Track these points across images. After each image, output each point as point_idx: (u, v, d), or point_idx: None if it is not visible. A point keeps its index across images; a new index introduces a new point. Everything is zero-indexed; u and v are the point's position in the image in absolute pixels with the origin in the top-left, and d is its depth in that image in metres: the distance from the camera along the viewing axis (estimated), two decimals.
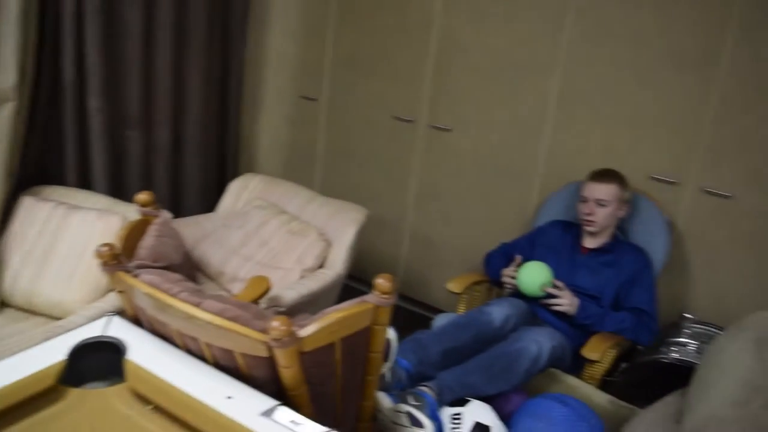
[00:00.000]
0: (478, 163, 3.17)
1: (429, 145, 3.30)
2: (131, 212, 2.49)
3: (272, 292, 2.29)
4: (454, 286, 2.55)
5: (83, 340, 1.51)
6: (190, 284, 1.52)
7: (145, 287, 1.46)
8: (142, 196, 1.72)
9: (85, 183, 2.85)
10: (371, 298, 1.44)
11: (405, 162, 3.41)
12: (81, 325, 1.96)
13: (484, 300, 2.73)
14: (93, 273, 2.31)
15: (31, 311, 2.40)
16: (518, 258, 2.46)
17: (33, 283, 2.36)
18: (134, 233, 1.68)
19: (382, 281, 1.43)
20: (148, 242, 1.66)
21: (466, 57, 3.10)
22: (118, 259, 1.53)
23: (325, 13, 3.51)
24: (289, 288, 2.35)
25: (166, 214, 1.75)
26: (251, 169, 3.86)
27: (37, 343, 1.68)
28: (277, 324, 1.30)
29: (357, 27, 3.42)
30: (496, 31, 2.99)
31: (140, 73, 2.96)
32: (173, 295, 1.43)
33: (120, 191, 2.95)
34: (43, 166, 2.74)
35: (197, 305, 1.41)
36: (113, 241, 1.60)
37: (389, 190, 3.50)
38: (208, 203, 3.34)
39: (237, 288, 2.54)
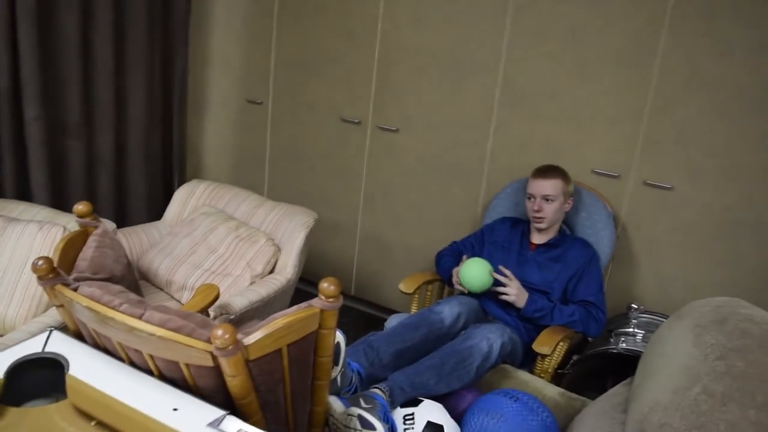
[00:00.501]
0: (425, 163, 3.18)
1: (376, 146, 3.31)
2: (73, 223, 2.42)
3: (222, 300, 2.26)
4: (406, 286, 2.56)
5: (21, 358, 1.46)
6: (132, 296, 1.49)
7: (85, 300, 1.42)
8: (81, 207, 1.68)
9: (24, 194, 2.77)
10: (317, 302, 1.43)
11: (354, 164, 3.40)
12: (21, 341, 1.91)
13: (437, 300, 2.74)
14: (35, 287, 2.24)
15: None
16: (465, 257, 2.48)
17: None
18: (73, 245, 1.63)
19: (326, 285, 1.42)
20: (87, 254, 1.61)
21: (408, 58, 3.11)
22: (56, 272, 1.48)
23: (268, 15, 3.48)
24: (239, 295, 2.32)
25: (106, 225, 1.71)
26: (198, 175, 3.80)
27: None
28: (220, 332, 1.28)
29: (300, 29, 3.40)
30: (437, 32, 3.01)
31: (79, 78, 2.88)
32: (114, 308, 1.39)
33: (62, 202, 2.87)
34: None
35: (139, 317, 1.38)
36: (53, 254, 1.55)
37: (339, 192, 3.49)
38: (155, 211, 3.27)
39: (186, 297, 2.50)
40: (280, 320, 1.38)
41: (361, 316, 3.52)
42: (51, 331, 1.58)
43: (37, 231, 2.35)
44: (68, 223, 2.43)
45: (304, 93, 3.47)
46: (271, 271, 2.57)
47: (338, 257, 3.58)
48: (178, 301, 2.53)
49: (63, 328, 1.65)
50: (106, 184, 3.13)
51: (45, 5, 2.67)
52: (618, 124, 2.68)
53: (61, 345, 1.55)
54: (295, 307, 1.44)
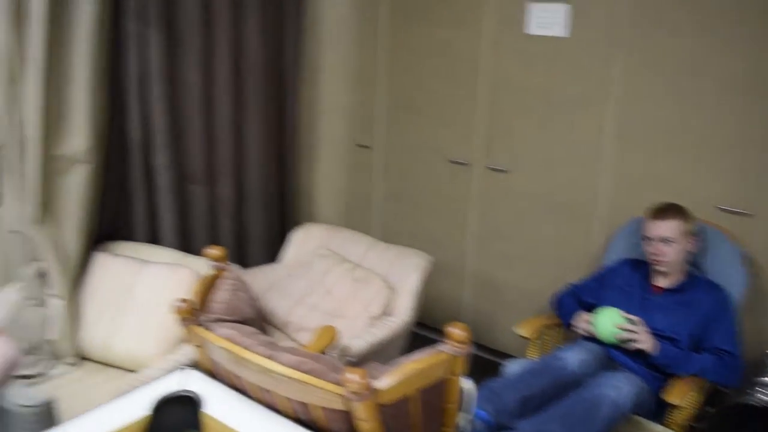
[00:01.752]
0: (538, 202, 3.13)
1: (486, 186, 3.29)
2: (200, 265, 2.55)
3: (340, 342, 2.29)
4: (524, 330, 2.50)
5: (164, 394, 1.53)
6: (264, 337, 1.54)
7: (221, 341, 1.47)
8: (214, 251, 1.76)
9: (153, 238, 2.94)
10: (446, 348, 1.42)
11: (463, 205, 3.39)
12: (158, 378, 2.01)
13: (555, 344, 2.66)
14: (165, 326, 2.36)
15: (107, 364, 2.46)
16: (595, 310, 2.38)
17: (109, 336, 2.43)
18: (207, 287, 1.71)
19: (456, 331, 1.41)
20: (222, 296, 1.69)
21: (517, 97, 3.10)
22: (195, 313, 1.55)
23: (374, 61, 3.58)
24: (357, 337, 2.34)
25: (237, 269, 1.78)
26: (311, 217, 3.91)
27: (116, 397, 1.72)
28: (353, 377, 1.29)
29: (407, 72, 3.47)
30: (546, 69, 2.99)
31: (202, 129, 3.05)
32: (249, 349, 1.44)
33: (187, 245, 3.02)
34: (114, 222, 2.84)
35: (273, 358, 1.42)
36: (186, 295, 1.63)
37: (448, 233, 3.49)
38: (271, 253, 3.38)
39: (304, 337, 2.55)
40: (410, 365, 1.38)
41: (471, 359, 3.46)
42: (185, 370, 1.65)
43: (168, 273, 2.49)
44: (195, 265, 2.56)
45: (412, 135, 3.52)
46: (386, 314, 2.58)
47: (446, 299, 3.55)
48: (296, 341, 2.58)
49: (195, 366, 1.72)
50: (227, 227, 3.27)
51: (172, 64, 2.86)
52: (744, 157, 2.54)
53: (196, 383, 1.62)
54: (423, 352, 1.43)
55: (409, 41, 3.45)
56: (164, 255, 2.68)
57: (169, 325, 2.36)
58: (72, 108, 2.48)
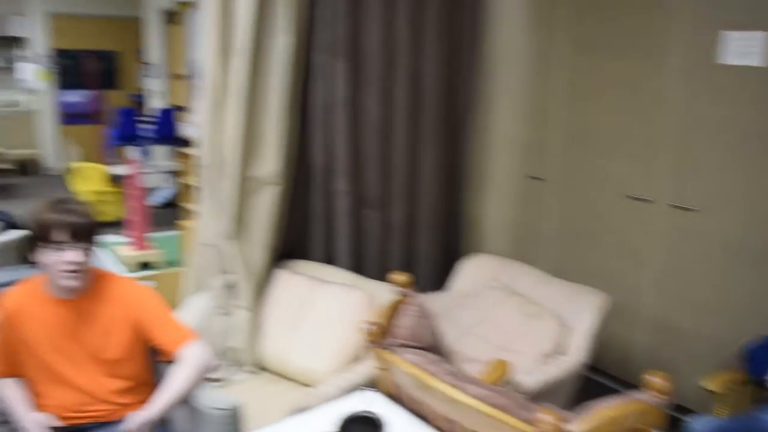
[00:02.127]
0: (731, 244, 2.88)
1: (671, 225, 3.09)
2: (373, 288, 2.62)
3: (511, 377, 2.23)
4: (711, 383, 2.30)
5: (349, 414, 1.57)
6: (448, 366, 1.53)
7: (409, 366, 1.49)
8: (400, 277, 1.79)
9: (329, 258, 3.06)
10: (644, 398, 1.33)
11: (642, 243, 3.21)
12: (335, 396, 2.07)
13: (743, 401, 2.41)
14: (339, 344, 2.44)
15: (283, 376, 2.58)
16: None
17: (286, 349, 2.55)
18: (391, 313, 1.74)
19: (657, 380, 1.32)
20: (405, 322, 1.71)
21: (708, 130, 2.89)
22: (382, 337, 1.58)
23: (549, 92, 3.51)
24: (528, 373, 2.27)
25: (420, 296, 1.80)
26: (478, 247, 3.88)
27: (295, 409, 1.79)
28: (547, 417, 1.24)
29: (584, 104, 3.36)
30: (740, 101, 2.77)
31: (379, 157, 3.15)
32: (436, 377, 1.44)
33: (359, 267, 3.11)
34: (295, 242, 3.00)
35: (460, 388, 1.41)
36: (362, 317, 1.66)
37: (622, 272, 3.31)
38: (437, 280, 3.39)
39: (471, 368, 2.52)
40: (605, 411, 1.31)
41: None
42: (367, 391, 1.68)
43: (343, 294, 2.58)
44: (369, 287, 2.63)
45: (587, 168, 3.40)
46: (558, 352, 2.49)
47: (616, 341, 3.36)
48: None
49: (374, 388, 1.75)
50: (397, 252, 3.33)
51: (355, 94, 2.98)
52: None
53: (378, 405, 1.64)
54: (617, 399, 1.36)
55: (587, 72, 3.35)
56: (339, 276, 2.78)
57: (342, 343, 2.44)
58: (266, 134, 2.66)
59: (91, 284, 1.92)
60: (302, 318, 2.57)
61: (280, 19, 2.59)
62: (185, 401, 1.93)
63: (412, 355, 1.52)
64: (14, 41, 9.42)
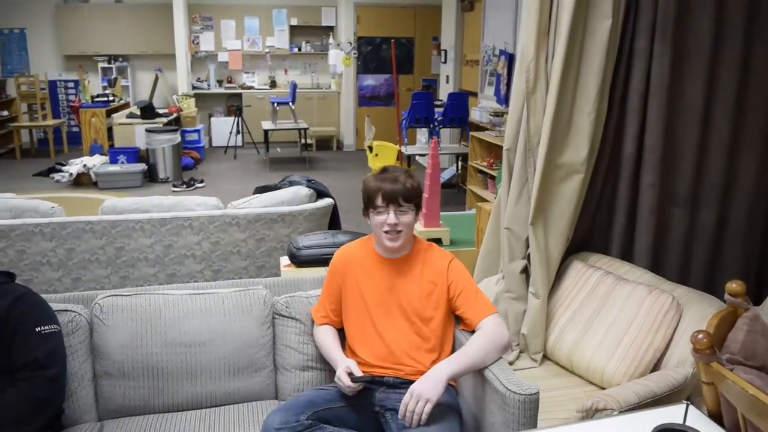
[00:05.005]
0: None
1: None
2: (674, 291, 2.42)
3: None
4: None
5: (665, 426, 1.46)
6: None
7: (748, 386, 1.33)
8: (735, 286, 1.61)
9: (624, 254, 2.89)
10: None
11: None
12: (631, 402, 1.95)
13: None
14: (637, 347, 2.29)
15: (568, 370, 2.52)
16: None
17: (575, 344, 2.47)
18: (723, 324, 1.57)
19: None
20: (737, 336, 1.53)
21: None
22: (712, 349, 1.44)
23: None
24: None
25: (754, 309, 1.60)
26: None
27: (590, 410, 1.72)
28: None
29: None
30: None
31: (694, 151, 2.87)
32: None
33: (658, 267, 2.90)
34: (589, 233, 2.89)
35: None
36: (673, 323, 1.52)
37: None
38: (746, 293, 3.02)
39: None
40: None
41: None
42: (688, 405, 1.55)
43: (645, 295, 2.41)
44: (672, 291, 2.43)
45: None
46: None
47: None
48: None
49: (691, 402, 1.60)
50: (701, 256, 3.03)
51: (675, 81, 2.75)
52: None
53: (697, 422, 1.50)
54: None
55: None
56: (638, 275, 2.61)
57: (642, 347, 2.29)
58: (577, 120, 2.58)
59: (411, 247, 2.14)
60: (597, 314, 2.47)
61: (604, 2, 2.49)
62: (478, 371, 1.98)
63: (746, 374, 1.36)
64: (326, 30, 10.52)
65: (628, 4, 2.62)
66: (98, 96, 9.35)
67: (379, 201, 2.03)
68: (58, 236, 3.53)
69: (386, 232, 2.04)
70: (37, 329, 1.92)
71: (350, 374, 1.98)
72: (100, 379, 2.16)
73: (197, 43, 10.31)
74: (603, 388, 2.32)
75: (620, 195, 2.83)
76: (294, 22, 10.40)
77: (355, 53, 10.04)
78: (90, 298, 2.29)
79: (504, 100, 6.55)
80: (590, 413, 1.92)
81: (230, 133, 9.64)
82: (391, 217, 2.02)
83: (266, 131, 8.73)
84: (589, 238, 2.89)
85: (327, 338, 2.16)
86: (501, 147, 5.61)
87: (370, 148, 6.63)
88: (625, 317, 2.39)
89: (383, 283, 2.10)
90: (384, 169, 2.12)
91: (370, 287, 2.11)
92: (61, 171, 7.82)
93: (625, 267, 2.69)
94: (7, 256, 3.52)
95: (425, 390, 1.85)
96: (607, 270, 2.63)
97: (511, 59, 6.36)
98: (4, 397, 1.86)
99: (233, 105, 10.48)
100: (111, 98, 9.31)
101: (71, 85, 10.07)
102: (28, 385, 1.89)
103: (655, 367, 2.29)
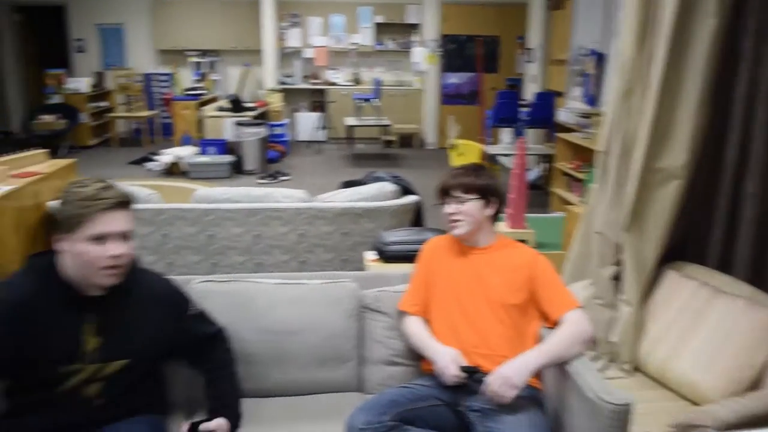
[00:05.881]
0: None
1: None
2: None
3: None
4: None
5: None
6: None
7: None
8: None
9: (723, 266, 2.76)
10: None
11: None
12: (729, 421, 1.87)
13: None
14: (737, 364, 2.19)
15: (660, 383, 2.43)
16: None
17: (669, 356, 2.39)
18: None
19: None
20: None
21: None
22: None
23: None
24: None
25: None
26: None
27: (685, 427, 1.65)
28: None
29: None
30: None
31: None
32: None
33: (758, 281, 2.75)
34: (685, 241, 2.78)
35: None
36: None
37: None
38: None
39: None
40: None
41: None
42: None
43: (746, 309, 2.30)
44: None
45: None
46: None
47: None
48: None
49: None
50: None
51: None
52: None
53: None
54: None
55: None
56: (737, 288, 2.49)
57: (741, 364, 2.19)
58: (678, 123, 2.49)
59: (495, 240, 2.22)
60: (693, 326, 2.38)
61: (710, 1, 2.38)
62: (560, 365, 1.97)
63: None
64: (411, 27, 10.54)
65: (735, 2, 2.51)
66: (189, 89, 9.72)
67: (441, 193, 2.18)
68: (154, 222, 3.69)
69: (449, 221, 2.15)
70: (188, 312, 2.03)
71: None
72: None
73: (284, 40, 10.54)
74: (697, 404, 2.23)
75: (719, 203, 2.71)
76: (379, 19, 10.48)
77: (439, 51, 10.02)
78: (182, 282, 2.38)
79: (592, 101, 6.38)
80: (685, 429, 1.85)
81: (314, 127, 9.82)
82: (449, 207, 2.15)
83: (349, 127, 8.83)
84: (684, 246, 2.78)
85: (421, 329, 2.17)
86: (588, 149, 5.54)
87: (454, 147, 6.60)
88: (722, 331, 2.29)
89: (469, 272, 2.15)
90: (458, 166, 2.25)
91: (456, 276, 2.16)
92: (154, 160, 8.17)
93: (722, 279, 2.57)
94: None
95: (512, 374, 1.88)
96: (704, 281, 2.53)
97: (601, 59, 6.19)
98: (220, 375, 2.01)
99: (318, 100, 10.67)
100: (202, 91, 9.66)
101: (164, 78, 10.49)
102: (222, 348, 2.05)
103: (755, 386, 2.18)
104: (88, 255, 1.68)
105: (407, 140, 10.43)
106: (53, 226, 1.76)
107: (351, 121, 8.91)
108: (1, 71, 10.47)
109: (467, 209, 2.13)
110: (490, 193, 2.17)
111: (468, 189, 2.13)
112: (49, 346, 1.72)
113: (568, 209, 3.51)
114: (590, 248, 2.71)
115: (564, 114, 6.61)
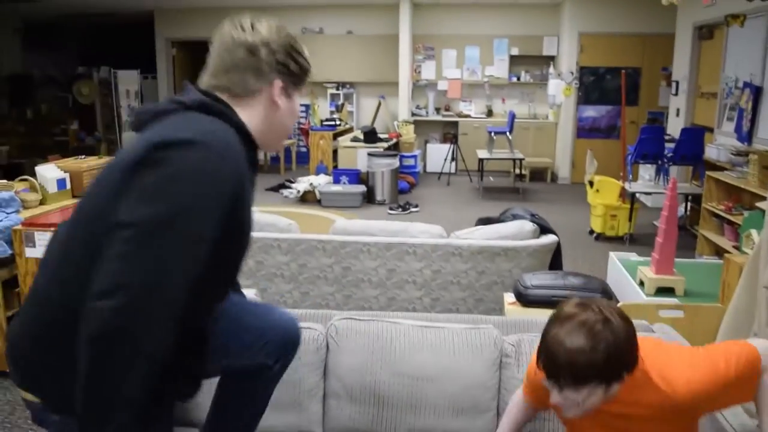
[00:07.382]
0: None
1: None
2: None
3: None
4: None
5: None
6: None
7: None
8: None
9: None
10: None
11: None
12: None
13: None
14: None
15: None
16: None
17: None
18: None
19: None
20: None
21: None
22: None
23: None
24: None
25: None
26: None
27: None
28: None
29: None
30: None
31: None
32: None
33: None
34: None
35: None
36: None
37: None
38: None
39: None
40: None
41: None
42: None
43: None
44: None
45: None
46: None
47: None
48: None
49: None
50: None
51: None
52: None
53: None
54: None
55: None
56: None
57: None
58: None
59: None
60: None
61: None
62: None
63: None
64: (547, 59, 10.33)
65: None
66: (326, 120, 10.05)
67: (542, 373, 1.49)
68: (292, 251, 3.78)
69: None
70: None
71: None
72: (329, 398, 2.24)
73: (419, 72, 10.68)
74: None
75: None
76: (515, 51, 10.36)
77: (576, 83, 9.73)
78: (323, 317, 2.39)
79: (747, 137, 5.90)
80: None
81: (445, 159, 9.81)
82: (554, 395, 1.50)
83: (481, 160, 8.75)
84: None
85: (511, 415, 1.91)
86: (742, 189, 5.09)
87: (591, 183, 6.33)
88: None
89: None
90: (566, 315, 1.47)
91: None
92: (290, 188, 8.48)
93: None
94: (246, 266, 3.86)
95: None
96: None
97: (758, 92, 5.73)
98: None
99: (449, 132, 10.67)
100: (337, 122, 9.96)
101: (303, 108, 10.93)
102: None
103: None
104: (297, 113, 1.59)
105: (539, 174, 10.16)
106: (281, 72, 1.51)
107: (483, 153, 8.81)
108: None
109: (583, 400, 1.47)
110: (615, 368, 1.45)
111: (580, 377, 1.43)
112: (249, 221, 1.48)
113: (727, 257, 3.22)
114: (755, 303, 2.45)
115: (713, 151, 6.16)
